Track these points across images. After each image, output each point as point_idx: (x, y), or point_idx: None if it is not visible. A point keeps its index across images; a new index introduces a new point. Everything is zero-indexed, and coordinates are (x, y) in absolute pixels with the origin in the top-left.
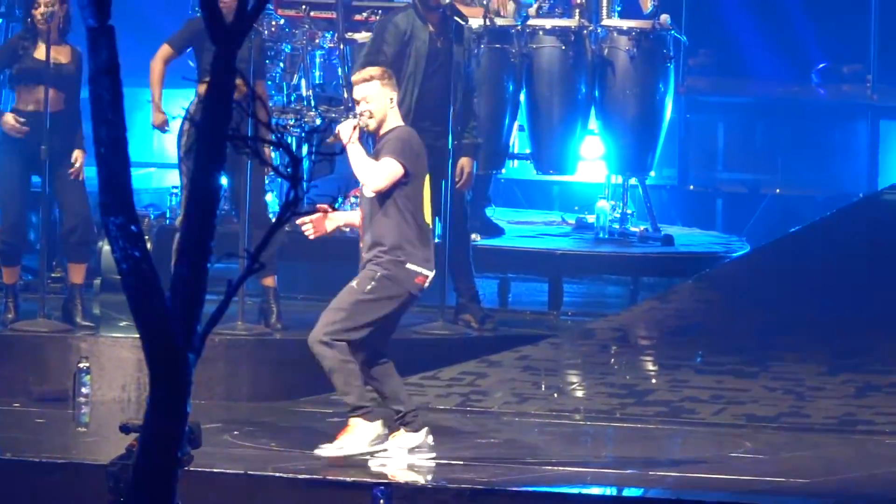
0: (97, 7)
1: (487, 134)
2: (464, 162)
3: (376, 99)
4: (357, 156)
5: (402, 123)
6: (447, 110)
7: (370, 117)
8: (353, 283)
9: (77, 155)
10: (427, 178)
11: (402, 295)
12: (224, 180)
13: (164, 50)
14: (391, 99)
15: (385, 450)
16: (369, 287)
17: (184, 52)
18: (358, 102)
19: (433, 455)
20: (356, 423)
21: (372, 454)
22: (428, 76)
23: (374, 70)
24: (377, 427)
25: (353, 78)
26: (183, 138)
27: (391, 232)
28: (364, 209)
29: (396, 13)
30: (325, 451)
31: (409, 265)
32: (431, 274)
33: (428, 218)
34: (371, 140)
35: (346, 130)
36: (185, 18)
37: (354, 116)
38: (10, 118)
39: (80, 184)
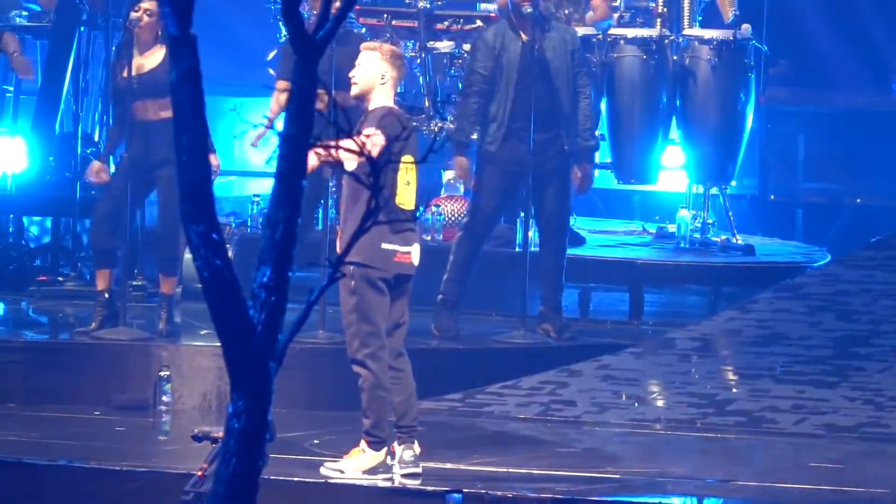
0: (179, 16)
1: None
2: (579, 167)
3: (368, 68)
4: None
5: (389, 104)
6: (554, 118)
7: (354, 82)
8: (342, 292)
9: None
10: (407, 161)
11: (377, 278)
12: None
13: (281, 84)
14: (383, 76)
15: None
16: (352, 284)
17: None
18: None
19: (416, 471)
20: (361, 448)
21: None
22: (526, 87)
23: (385, 46)
24: (379, 457)
25: (364, 44)
26: None
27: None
28: (343, 193)
29: (487, 29)
30: (327, 469)
31: (383, 245)
32: (407, 247)
33: (406, 201)
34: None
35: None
36: (273, 34)
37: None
38: (101, 170)
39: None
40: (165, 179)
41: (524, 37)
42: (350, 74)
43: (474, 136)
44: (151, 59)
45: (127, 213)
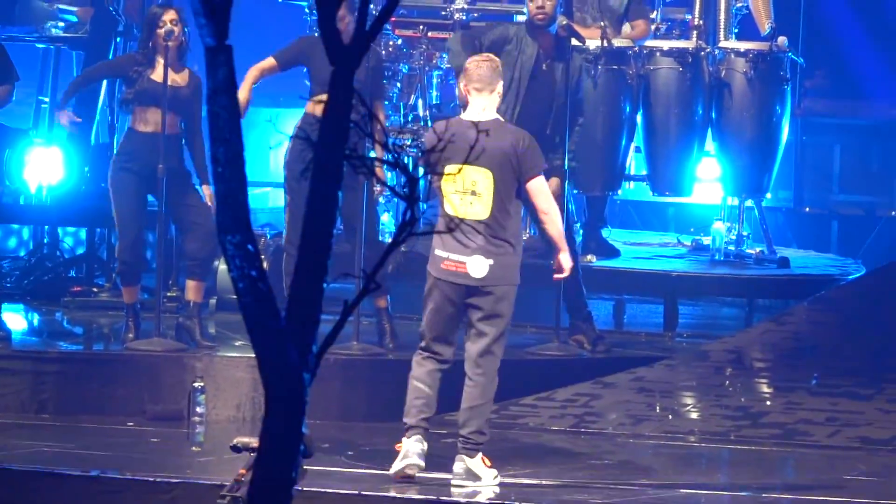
0: (215, 26)
1: (604, 155)
2: (553, 182)
3: None
4: None
5: (460, 116)
6: (544, 133)
7: None
8: None
9: (206, 191)
10: (454, 167)
11: (434, 282)
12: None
13: (267, 61)
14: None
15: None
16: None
17: (287, 69)
18: None
19: (461, 484)
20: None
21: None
22: (530, 96)
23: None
24: (408, 443)
25: None
26: (288, 157)
27: None
28: None
29: (512, 25)
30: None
31: (436, 251)
32: (461, 257)
33: (452, 206)
34: None
35: None
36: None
37: None
38: (65, 114)
39: (203, 203)
40: (183, 189)
41: (538, 47)
42: None
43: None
44: (179, 77)
45: (161, 225)
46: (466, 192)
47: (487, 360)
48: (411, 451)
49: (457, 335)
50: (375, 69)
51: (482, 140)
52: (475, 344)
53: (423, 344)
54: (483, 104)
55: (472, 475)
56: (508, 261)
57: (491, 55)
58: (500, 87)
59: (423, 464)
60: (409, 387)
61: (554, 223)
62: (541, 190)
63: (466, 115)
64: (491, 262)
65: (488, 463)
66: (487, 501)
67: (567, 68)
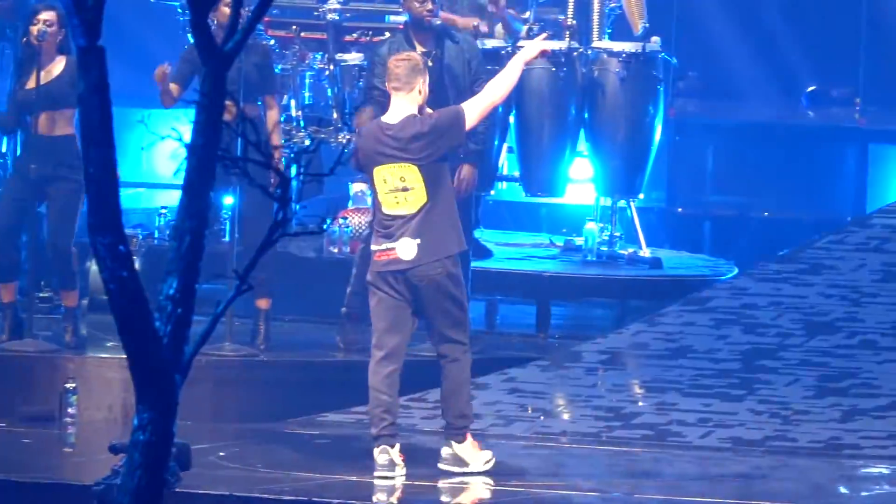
0: (87, 27)
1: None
2: (464, 169)
3: None
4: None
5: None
6: None
7: None
8: None
9: None
10: (379, 169)
11: (375, 280)
12: (231, 200)
13: (174, 89)
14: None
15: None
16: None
17: (190, 83)
18: None
19: (452, 469)
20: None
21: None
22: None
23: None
24: (377, 456)
25: None
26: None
27: None
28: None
29: (381, 44)
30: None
31: (371, 247)
32: (390, 244)
33: (388, 205)
34: None
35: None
36: (182, 46)
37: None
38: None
39: (68, 211)
40: (53, 196)
41: (420, 48)
42: None
43: None
44: (55, 68)
45: (26, 226)
46: (398, 189)
47: (450, 346)
48: (378, 463)
49: (407, 328)
50: (263, 63)
51: (399, 136)
52: (433, 332)
53: (374, 346)
54: (402, 103)
55: (458, 461)
56: (440, 233)
57: (411, 54)
58: (420, 84)
59: (392, 473)
60: (369, 396)
61: (498, 87)
62: (469, 107)
63: (385, 116)
64: (418, 241)
65: (477, 446)
66: (355, 503)
67: (457, 52)
